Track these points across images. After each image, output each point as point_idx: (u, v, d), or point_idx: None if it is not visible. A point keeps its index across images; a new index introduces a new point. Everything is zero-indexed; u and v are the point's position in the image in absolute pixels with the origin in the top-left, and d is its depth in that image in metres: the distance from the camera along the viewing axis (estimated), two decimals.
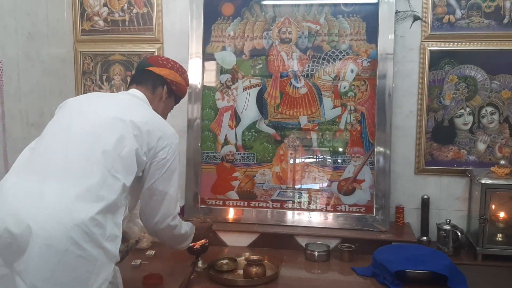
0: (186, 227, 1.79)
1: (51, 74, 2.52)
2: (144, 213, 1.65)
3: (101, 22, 2.70)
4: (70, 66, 2.72)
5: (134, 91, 1.71)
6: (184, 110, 2.51)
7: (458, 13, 2.36)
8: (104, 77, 2.72)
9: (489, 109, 2.37)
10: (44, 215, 1.32)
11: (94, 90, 2.73)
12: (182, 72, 1.82)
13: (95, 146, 1.45)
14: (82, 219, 1.33)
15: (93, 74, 2.73)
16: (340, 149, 2.41)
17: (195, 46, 2.48)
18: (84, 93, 2.71)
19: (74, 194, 1.36)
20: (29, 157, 1.49)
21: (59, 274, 1.31)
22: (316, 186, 2.43)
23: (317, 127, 2.43)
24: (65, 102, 1.64)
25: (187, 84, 1.88)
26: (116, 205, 1.44)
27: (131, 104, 1.63)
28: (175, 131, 1.65)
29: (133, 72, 1.83)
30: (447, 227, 2.26)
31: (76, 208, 1.35)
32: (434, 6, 2.37)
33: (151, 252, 2.24)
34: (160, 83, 1.75)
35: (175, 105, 1.87)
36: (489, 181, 2.15)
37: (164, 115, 1.77)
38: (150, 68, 1.75)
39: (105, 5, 2.67)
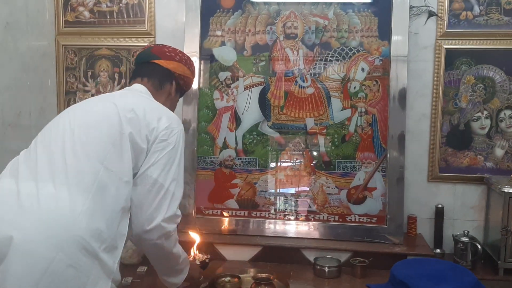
0: (181, 250, 1.49)
1: (30, 69, 2.29)
2: (134, 208, 1.32)
3: (86, 13, 2.47)
4: (52, 61, 2.49)
5: (137, 85, 1.53)
6: (178, 110, 2.29)
7: (476, 10, 2.22)
8: (89, 74, 2.49)
9: (508, 112, 2.24)
10: (26, 219, 1.16)
11: (77, 88, 2.50)
12: (190, 64, 1.65)
13: (81, 138, 1.29)
14: (75, 224, 1.17)
15: (77, 70, 2.50)
16: (350, 154, 2.23)
17: (191, 40, 2.29)
18: (66, 90, 2.50)
19: (62, 194, 1.20)
20: (17, 160, 1.33)
21: (45, 286, 1.12)
22: (324, 195, 2.25)
23: (324, 130, 2.25)
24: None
25: (194, 76, 1.70)
26: (115, 204, 1.25)
27: (130, 94, 1.47)
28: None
29: (133, 64, 1.66)
30: (465, 239, 2.11)
31: (66, 211, 1.18)
32: (451, 1, 2.23)
33: (142, 269, 2.02)
34: (168, 78, 1.58)
35: (179, 98, 1.71)
36: None
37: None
38: (156, 61, 1.57)
39: None
